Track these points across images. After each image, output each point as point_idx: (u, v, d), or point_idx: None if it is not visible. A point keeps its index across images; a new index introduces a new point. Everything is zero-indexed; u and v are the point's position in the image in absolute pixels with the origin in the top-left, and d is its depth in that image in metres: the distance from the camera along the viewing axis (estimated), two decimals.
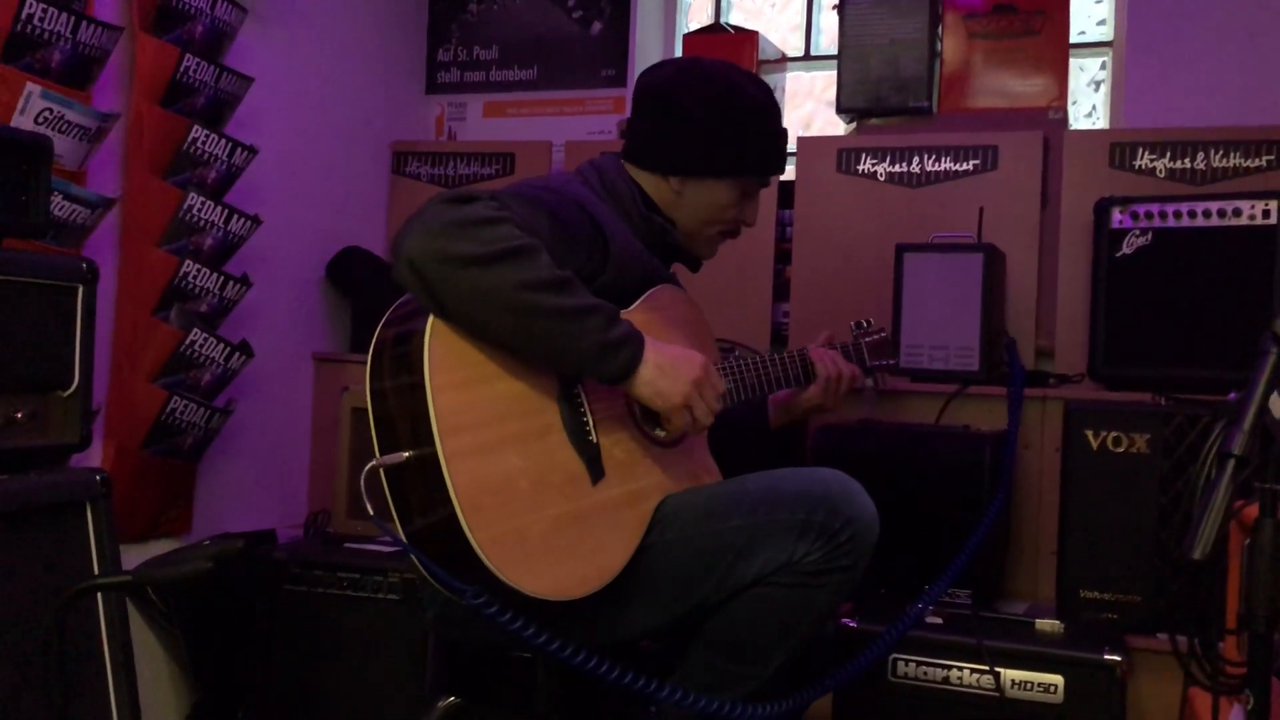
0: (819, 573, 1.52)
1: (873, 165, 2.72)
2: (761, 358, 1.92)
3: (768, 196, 2.47)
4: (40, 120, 2.04)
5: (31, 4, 2.01)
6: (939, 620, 2.01)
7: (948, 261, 2.37)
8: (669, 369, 1.53)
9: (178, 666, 2.51)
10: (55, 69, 2.09)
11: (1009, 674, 1.92)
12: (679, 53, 3.42)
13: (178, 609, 2.40)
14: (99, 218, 2.18)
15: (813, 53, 3.39)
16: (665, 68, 1.87)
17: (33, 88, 2.02)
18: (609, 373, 1.49)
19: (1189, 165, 2.48)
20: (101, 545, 1.91)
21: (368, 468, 1.37)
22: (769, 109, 1.86)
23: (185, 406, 2.39)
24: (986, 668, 1.92)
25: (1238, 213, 2.20)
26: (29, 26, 2.03)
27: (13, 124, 2.00)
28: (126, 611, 1.95)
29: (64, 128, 2.08)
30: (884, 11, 2.83)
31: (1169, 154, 2.50)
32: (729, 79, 1.82)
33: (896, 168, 2.70)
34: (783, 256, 2.83)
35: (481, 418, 1.42)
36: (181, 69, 2.35)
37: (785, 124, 1.92)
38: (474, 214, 1.41)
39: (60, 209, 2.08)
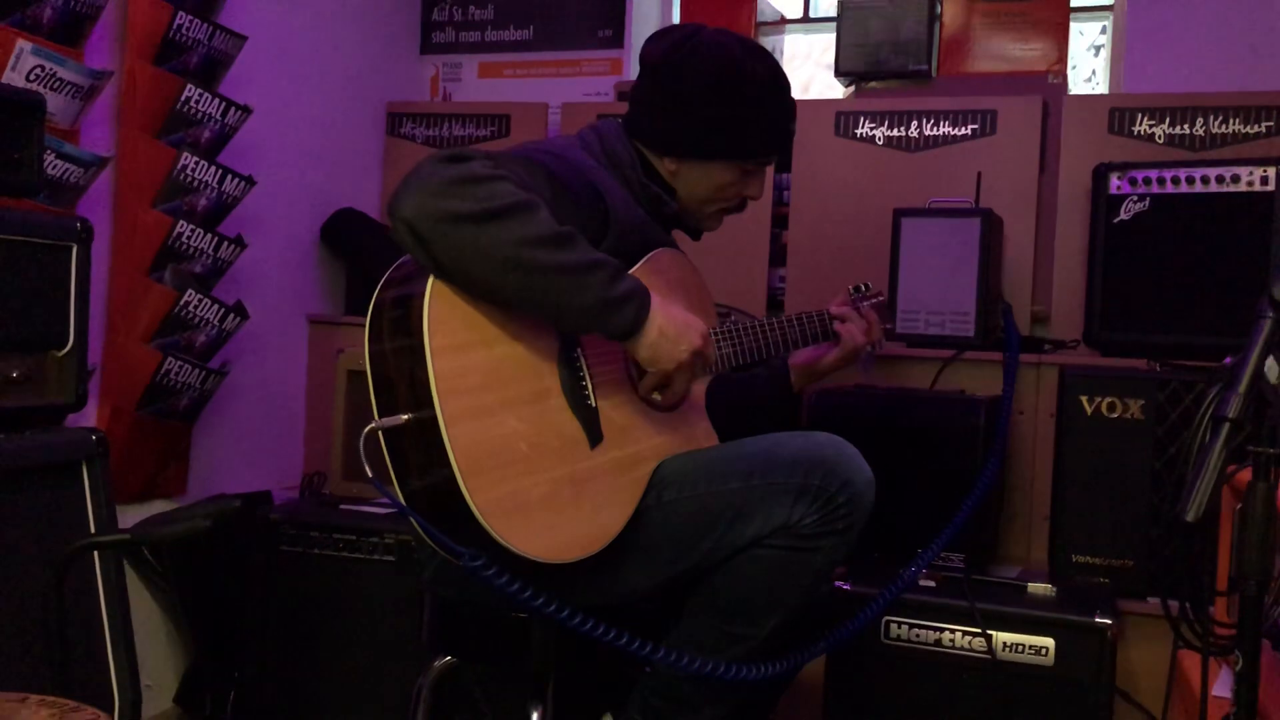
0: (815, 535, 1.53)
1: (871, 129, 2.71)
2: (760, 322, 1.92)
3: None
4: (32, 77, 2.02)
5: None
6: (932, 583, 2.03)
7: (945, 226, 2.36)
8: (671, 333, 1.53)
9: (174, 626, 2.52)
10: (47, 26, 2.06)
11: (1001, 636, 1.94)
12: (677, 14, 3.39)
13: (174, 569, 2.41)
14: (92, 177, 2.17)
15: (812, 15, 3.36)
16: (669, 36, 1.80)
17: (24, 45, 2.00)
18: (614, 328, 1.48)
19: (1188, 131, 2.47)
20: (98, 504, 1.92)
21: (366, 430, 1.36)
22: (772, 88, 1.80)
23: (180, 368, 2.39)
24: (979, 630, 1.94)
25: (1236, 179, 2.19)
26: None
27: (3, 81, 1.97)
28: (123, 571, 1.96)
29: (56, 85, 2.06)
30: None
31: (1168, 120, 2.49)
32: (731, 57, 1.75)
33: (895, 132, 2.69)
34: (779, 220, 2.81)
35: (481, 381, 1.42)
36: (174, 27, 2.33)
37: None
38: (469, 172, 1.39)
39: (53, 167, 2.06)
